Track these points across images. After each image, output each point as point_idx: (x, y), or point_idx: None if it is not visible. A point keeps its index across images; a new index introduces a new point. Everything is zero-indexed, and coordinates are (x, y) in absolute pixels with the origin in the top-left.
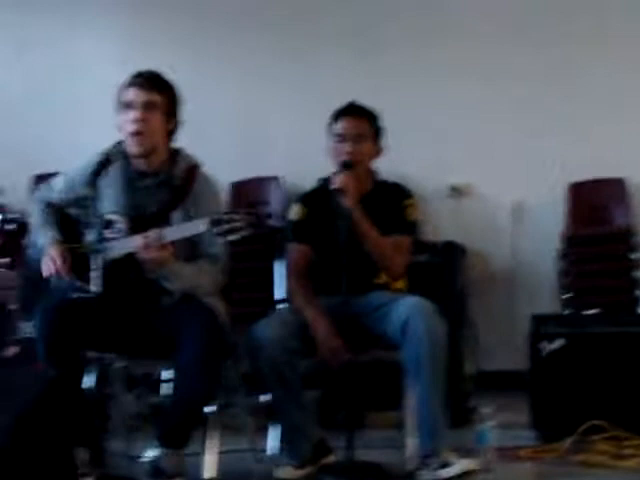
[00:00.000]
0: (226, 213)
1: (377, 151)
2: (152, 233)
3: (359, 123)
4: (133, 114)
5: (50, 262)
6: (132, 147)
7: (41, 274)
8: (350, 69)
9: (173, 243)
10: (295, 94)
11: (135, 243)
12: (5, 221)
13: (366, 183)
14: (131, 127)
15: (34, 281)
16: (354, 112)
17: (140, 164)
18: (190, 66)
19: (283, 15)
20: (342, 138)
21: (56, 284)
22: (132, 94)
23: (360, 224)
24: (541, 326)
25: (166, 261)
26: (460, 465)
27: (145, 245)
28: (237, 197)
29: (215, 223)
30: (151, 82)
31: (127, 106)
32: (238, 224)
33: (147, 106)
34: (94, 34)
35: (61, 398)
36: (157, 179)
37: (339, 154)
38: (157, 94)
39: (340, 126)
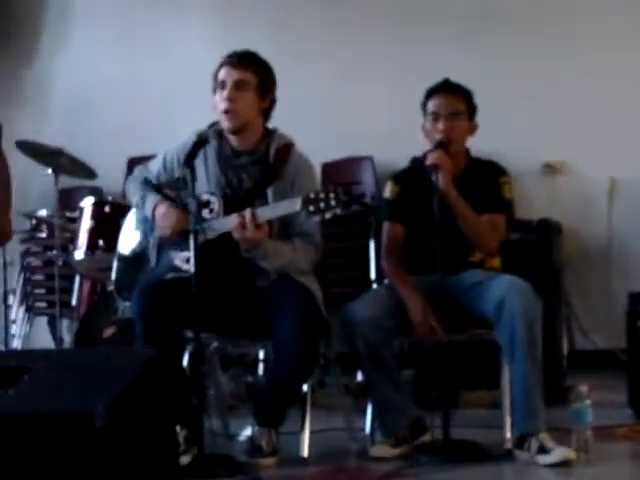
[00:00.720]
0: (319, 191)
1: (472, 128)
2: (247, 213)
3: (453, 100)
4: (225, 93)
5: (165, 219)
6: (224, 123)
7: (138, 254)
8: (445, 46)
9: (269, 222)
10: (388, 73)
11: (231, 223)
12: (100, 203)
13: (461, 161)
14: (223, 105)
15: (132, 261)
16: (448, 89)
17: (234, 142)
18: (283, 46)
19: None
20: (436, 116)
21: (153, 264)
22: (224, 73)
23: (455, 202)
24: (638, 304)
25: (261, 240)
26: (558, 453)
27: (241, 225)
28: (329, 177)
29: (309, 201)
30: (244, 61)
31: (221, 85)
32: (332, 202)
33: (239, 85)
34: (190, 18)
35: (161, 377)
36: (252, 157)
37: (434, 132)
38: (249, 73)
39: (434, 104)
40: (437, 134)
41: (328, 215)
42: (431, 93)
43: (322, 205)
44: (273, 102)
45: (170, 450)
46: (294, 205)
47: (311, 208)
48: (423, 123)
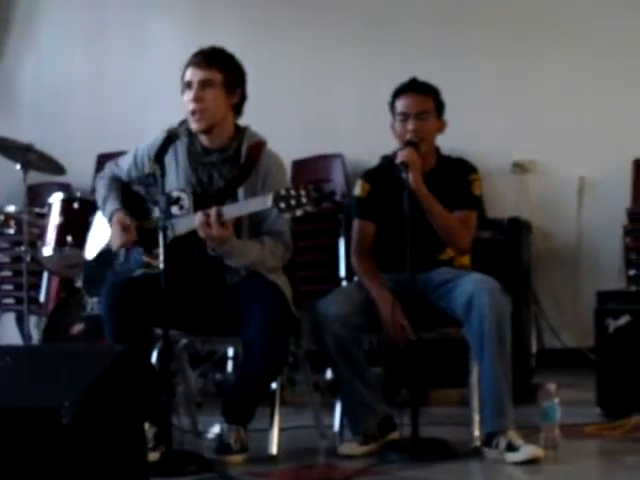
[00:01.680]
0: (289, 188)
1: (440, 126)
2: (212, 211)
3: (421, 100)
4: (191, 93)
5: (115, 232)
6: (193, 124)
7: (106, 251)
8: (413, 46)
9: (238, 220)
10: (358, 71)
11: (197, 220)
12: (69, 199)
13: (431, 159)
14: (190, 106)
15: (100, 258)
16: (416, 89)
17: (205, 140)
18: (256, 45)
19: None
20: (405, 116)
21: (122, 260)
22: (190, 73)
23: (426, 199)
24: (606, 302)
25: (226, 239)
26: (526, 451)
27: (204, 223)
28: (299, 175)
29: (279, 198)
30: (208, 59)
31: (187, 86)
32: (303, 199)
33: (204, 84)
34: (165, 17)
35: (129, 373)
36: (222, 155)
37: (403, 133)
38: (214, 70)
39: (402, 104)
40: (407, 134)
41: (299, 212)
42: (398, 93)
43: (293, 202)
44: (243, 97)
45: (138, 447)
46: (265, 202)
47: (282, 205)
48: (392, 123)
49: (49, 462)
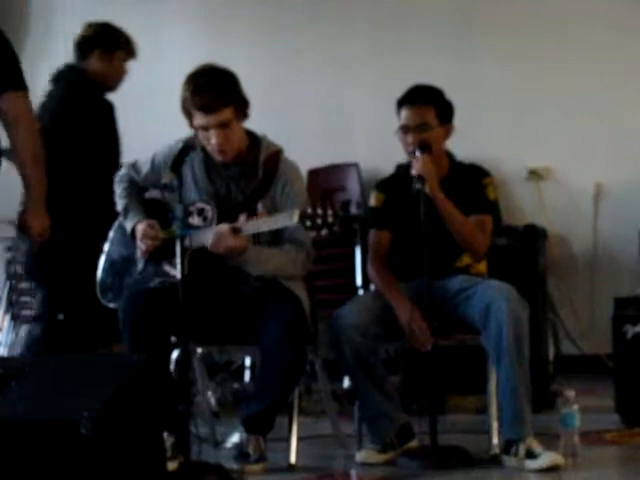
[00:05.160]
0: (316, 207)
1: (447, 131)
2: (223, 226)
3: (420, 112)
4: (212, 138)
5: (142, 240)
6: (219, 157)
7: (124, 260)
8: (429, 54)
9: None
10: (374, 79)
11: (208, 239)
12: None
13: (443, 166)
14: (217, 147)
15: (118, 264)
16: (415, 100)
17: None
18: (270, 54)
19: (363, 1)
20: (405, 129)
21: (140, 271)
22: (202, 119)
23: (443, 205)
24: (624, 309)
25: (241, 249)
26: (546, 458)
27: (217, 238)
28: (315, 184)
29: (305, 217)
30: (216, 101)
31: (202, 128)
32: (329, 219)
33: (222, 126)
34: (178, 27)
35: (148, 383)
36: (241, 168)
37: (405, 145)
38: (226, 109)
39: (403, 116)
40: (408, 146)
41: (324, 232)
42: (401, 103)
43: (319, 221)
44: (248, 104)
45: (157, 457)
46: (291, 219)
47: (308, 223)
48: (396, 131)
49: (68, 472)
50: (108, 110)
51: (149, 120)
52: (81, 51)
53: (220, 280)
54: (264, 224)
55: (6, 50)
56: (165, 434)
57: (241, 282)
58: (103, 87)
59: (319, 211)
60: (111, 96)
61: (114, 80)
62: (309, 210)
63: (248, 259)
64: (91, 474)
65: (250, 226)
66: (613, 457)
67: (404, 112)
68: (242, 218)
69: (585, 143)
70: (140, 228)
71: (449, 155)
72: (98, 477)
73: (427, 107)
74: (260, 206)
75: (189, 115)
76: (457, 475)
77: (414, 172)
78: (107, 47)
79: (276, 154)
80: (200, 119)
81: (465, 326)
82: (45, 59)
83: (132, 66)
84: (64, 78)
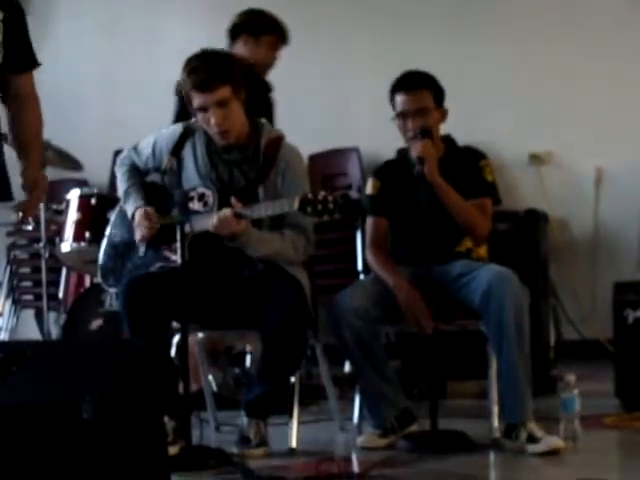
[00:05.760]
0: (317, 193)
1: (442, 115)
2: (226, 211)
3: (418, 96)
4: (211, 118)
5: (139, 227)
6: (220, 140)
7: (125, 244)
8: (430, 38)
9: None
10: (375, 64)
11: (210, 221)
12: (87, 195)
13: (439, 149)
14: (216, 128)
15: (120, 248)
16: (411, 85)
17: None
18: None
19: None
20: (404, 115)
21: (141, 255)
22: (199, 99)
23: (443, 190)
24: (625, 294)
25: (242, 232)
26: (547, 442)
27: (221, 222)
28: (315, 169)
29: (306, 203)
30: (212, 79)
31: (201, 109)
32: (330, 206)
33: (219, 104)
34: (178, 14)
35: (149, 367)
36: (242, 153)
37: (404, 131)
38: (223, 88)
39: (399, 102)
40: (407, 132)
41: (325, 218)
42: (395, 89)
43: (320, 207)
44: (244, 87)
45: (158, 441)
46: (292, 205)
47: (309, 209)
48: (393, 118)
49: (69, 457)
50: (264, 89)
51: (147, 108)
52: (230, 37)
53: (223, 264)
54: (266, 209)
55: (26, 27)
56: (166, 419)
57: (245, 266)
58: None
59: (320, 197)
60: (111, 84)
61: (262, 65)
62: (310, 196)
63: (250, 242)
64: (92, 458)
65: (252, 211)
66: (613, 441)
67: (401, 98)
68: (233, 201)
69: (586, 127)
70: (137, 215)
71: (446, 139)
72: (99, 461)
73: (424, 91)
74: (261, 191)
75: (188, 100)
76: (458, 459)
77: (414, 154)
78: (253, 32)
79: (277, 139)
80: (198, 99)
81: (466, 311)
82: (46, 40)
83: (131, 54)
84: None
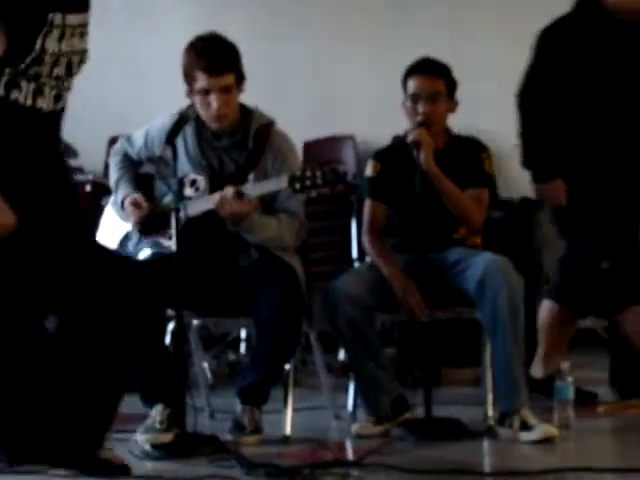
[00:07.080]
0: (305, 170)
1: (452, 107)
2: (228, 189)
3: (433, 81)
4: (214, 102)
5: (129, 211)
6: (214, 125)
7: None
8: (426, 25)
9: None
10: (370, 51)
11: (213, 200)
12: (81, 183)
13: (441, 139)
14: (216, 112)
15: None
16: (428, 69)
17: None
18: (267, 26)
19: None
20: (416, 97)
21: (135, 242)
22: (205, 80)
23: (438, 178)
24: None
25: (248, 213)
26: (540, 430)
27: (223, 201)
28: (310, 156)
29: (295, 179)
30: (222, 64)
31: (202, 92)
32: (318, 180)
33: (223, 90)
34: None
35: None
36: (232, 139)
37: (414, 114)
38: (230, 75)
39: (413, 85)
40: (418, 116)
41: (314, 193)
42: (410, 72)
43: (308, 183)
44: (245, 78)
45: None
46: (280, 183)
47: (297, 186)
48: (403, 101)
49: None
50: None
51: (142, 95)
52: None
53: (218, 251)
54: (254, 190)
55: None
56: (161, 406)
57: (240, 253)
58: None
59: (308, 173)
60: (105, 70)
61: None
62: (298, 173)
63: (253, 226)
64: None
65: (251, 190)
66: (607, 429)
67: (415, 81)
68: (227, 187)
69: None
70: (127, 202)
71: (447, 129)
72: None
73: (439, 78)
74: (251, 177)
75: (191, 79)
76: (452, 447)
77: (410, 138)
78: None
79: (267, 125)
80: (203, 81)
81: (461, 298)
82: None
83: (128, 39)
84: None
